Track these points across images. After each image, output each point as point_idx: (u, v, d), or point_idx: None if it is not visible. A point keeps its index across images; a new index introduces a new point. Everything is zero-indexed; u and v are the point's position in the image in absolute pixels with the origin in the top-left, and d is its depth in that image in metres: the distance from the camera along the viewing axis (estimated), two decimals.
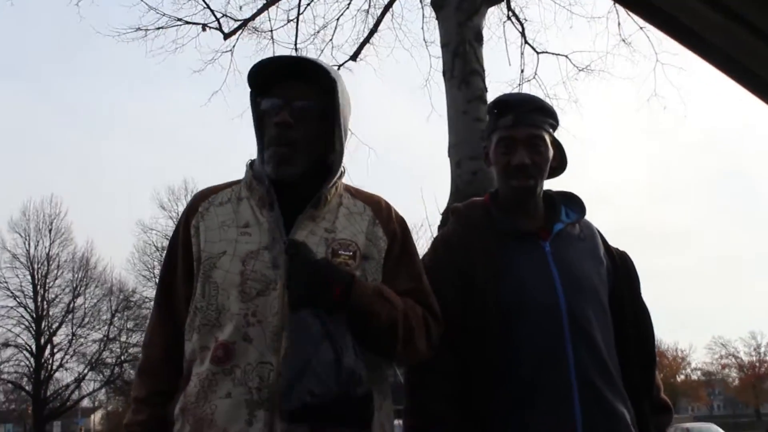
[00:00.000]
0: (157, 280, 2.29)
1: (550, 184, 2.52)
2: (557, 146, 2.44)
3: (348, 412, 1.81)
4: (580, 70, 10.53)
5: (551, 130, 2.41)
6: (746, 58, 0.64)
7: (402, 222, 2.20)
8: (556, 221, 2.39)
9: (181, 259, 2.12)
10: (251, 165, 2.15)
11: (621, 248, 2.53)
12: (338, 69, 10.10)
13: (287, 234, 2.01)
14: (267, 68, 2.09)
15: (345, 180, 2.20)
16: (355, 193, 2.20)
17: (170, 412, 2.02)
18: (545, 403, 2.16)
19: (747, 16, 0.59)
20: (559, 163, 2.47)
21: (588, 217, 2.47)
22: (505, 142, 2.36)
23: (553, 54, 10.47)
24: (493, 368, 2.20)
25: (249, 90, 2.13)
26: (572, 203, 2.47)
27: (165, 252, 2.23)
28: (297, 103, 2.05)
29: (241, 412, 1.88)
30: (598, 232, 2.49)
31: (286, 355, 1.88)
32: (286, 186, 2.06)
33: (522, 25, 10.16)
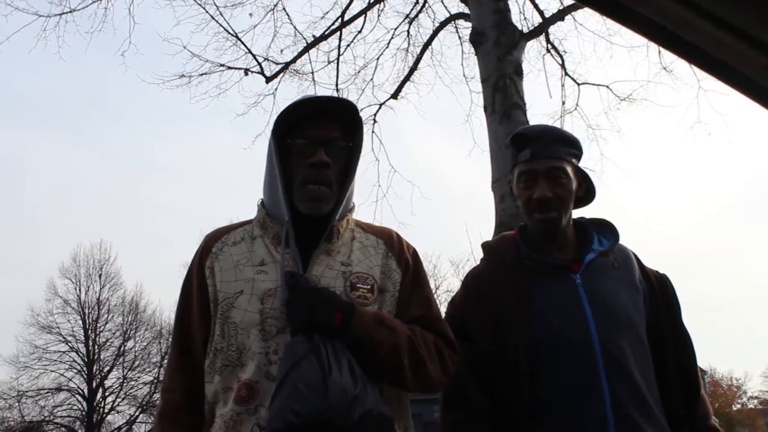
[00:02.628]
0: None
1: (586, 213, 2.49)
2: (582, 176, 2.42)
3: (344, 428, 1.77)
4: (621, 100, 10.40)
5: (574, 161, 2.39)
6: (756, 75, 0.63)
7: (413, 252, 2.21)
8: (588, 251, 2.36)
9: (197, 301, 2.11)
10: (263, 204, 2.16)
11: (662, 271, 2.48)
12: (380, 107, 10.34)
13: (304, 270, 2.01)
14: (301, 110, 2.11)
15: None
16: (367, 228, 2.22)
17: None
18: None
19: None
20: (587, 193, 2.45)
21: (635, 245, 2.43)
22: (526, 176, 2.36)
23: (594, 85, 10.40)
24: (527, 406, 2.18)
25: (273, 130, 2.12)
26: (605, 230, 2.45)
27: (179, 296, 2.21)
28: (331, 143, 2.08)
29: None
30: (635, 256, 2.45)
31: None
32: (298, 220, 2.06)
33: (561, 57, 10.14)
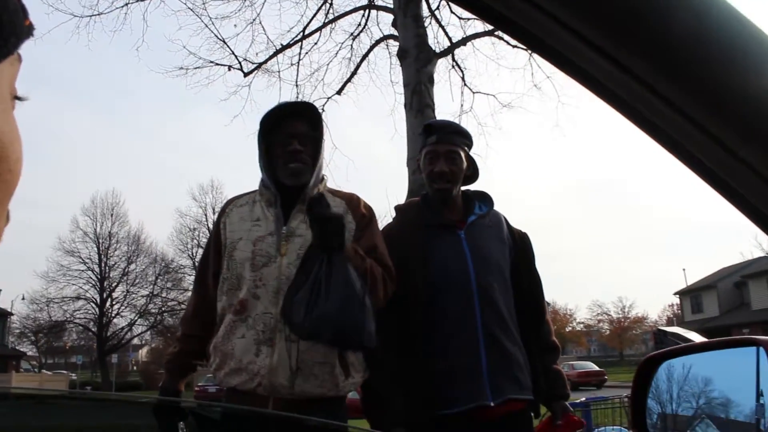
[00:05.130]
0: (189, 253, 2.33)
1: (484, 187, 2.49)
2: (471, 160, 2.42)
3: None
4: (504, 106, 10.64)
5: (466, 148, 2.39)
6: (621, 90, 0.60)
7: (369, 209, 2.21)
8: (471, 214, 2.37)
9: (213, 246, 2.18)
10: (262, 180, 2.19)
11: (523, 230, 2.50)
12: (327, 100, 10.27)
13: (285, 223, 2.06)
14: (279, 111, 2.16)
15: (330, 183, 2.24)
16: (335, 193, 2.21)
17: (207, 348, 2.10)
18: (460, 349, 2.17)
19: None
20: (473, 173, 2.44)
21: (506, 211, 2.47)
22: (430, 155, 2.35)
23: (484, 94, 10.59)
24: (423, 325, 2.20)
25: (260, 127, 2.16)
26: (484, 199, 2.45)
27: (206, 244, 2.31)
28: (303, 135, 2.13)
29: (251, 348, 1.95)
30: (504, 219, 2.47)
31: (339, 293, 1.85)
32: (286, 190, 2.11)
33: (462, 72, 10.25)
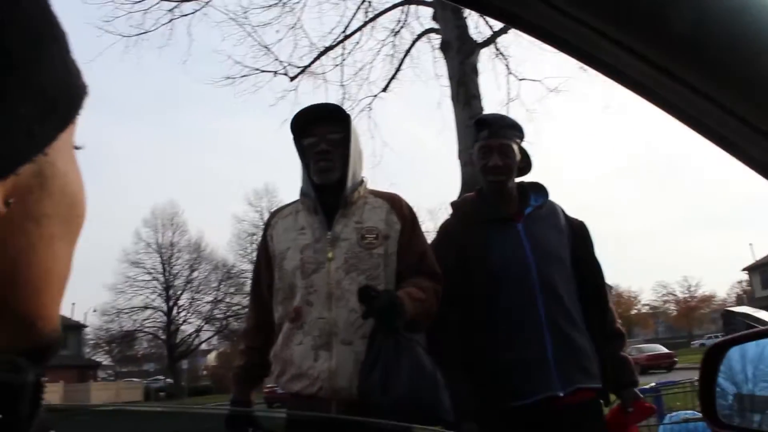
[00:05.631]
0: (249, 258, 2.39)
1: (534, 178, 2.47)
2: (523, 152, 2.41)
3: None
4: (550, 91, 10.36)
5: (518, 141, 2.38)
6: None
7: (410, 209, 2.24)
8: (527, 206, 2.36)
9: (263, 258, 2.24)
10: (302, 190, 2.24)
11: (580, 219, 2.48)
12: (374, 98, 10.30)
13: (329, 228, 2.10)
14: (304, 115, 2.20)
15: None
16: (377, 194, 2.25)
17: (268, 356, 2.15)
18: (525, 341, 2.16)
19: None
20: (525, 165, 2.44)
21: (562, 195, 2.44)
22: (484, 150, 2.35)
23: (530, 80, 10.35)
24: (486, 320, 2.20)
25: (292, 129, 2.22)
26: (539, 190, 2.44)
27: (256, 258, 2.37)
28: (330, 137, 2.16)
29: (309, 354, 2.01)
30: (560, 209, 2.45)
31: (408, 374, 1.90)
32: (326, 196, 2.15)
33: (506, 60, 10.09)
